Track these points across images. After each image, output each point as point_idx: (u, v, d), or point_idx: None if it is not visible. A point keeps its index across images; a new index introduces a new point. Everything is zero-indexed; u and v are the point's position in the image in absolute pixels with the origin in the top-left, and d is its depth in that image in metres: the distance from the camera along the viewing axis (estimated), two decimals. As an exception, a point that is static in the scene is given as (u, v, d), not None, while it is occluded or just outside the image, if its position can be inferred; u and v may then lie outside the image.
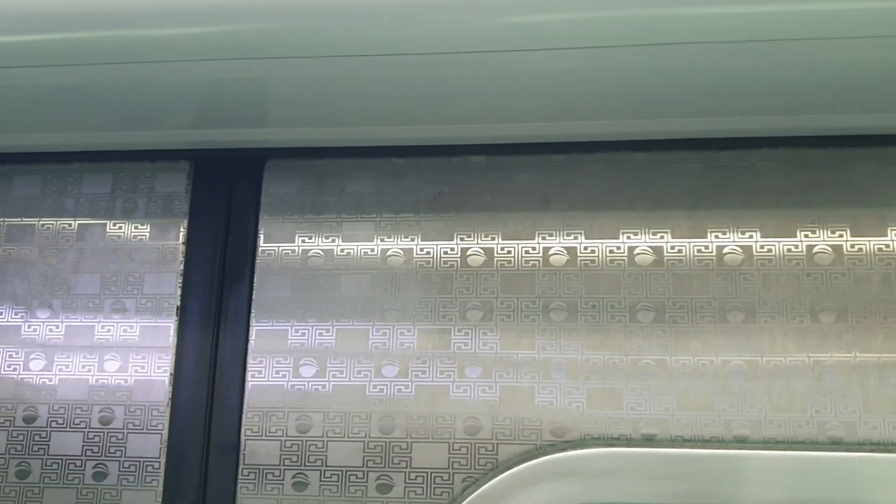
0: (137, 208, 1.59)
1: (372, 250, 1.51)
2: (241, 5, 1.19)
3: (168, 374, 1.49)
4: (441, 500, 1.39)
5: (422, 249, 1.50)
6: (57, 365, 1.52)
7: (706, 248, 1.44)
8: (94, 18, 1.23)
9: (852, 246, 1.41)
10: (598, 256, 1.46)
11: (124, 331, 1.53)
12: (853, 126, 1.43)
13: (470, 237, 1.50)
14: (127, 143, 1.58)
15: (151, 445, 1.47)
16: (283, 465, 1.43)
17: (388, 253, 1.51)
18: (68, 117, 1.48)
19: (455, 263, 1.49)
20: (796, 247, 1.43)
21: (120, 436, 1.48)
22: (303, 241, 1.53)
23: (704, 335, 1.41)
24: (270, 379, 1.47)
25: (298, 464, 1.43)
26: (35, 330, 1.55)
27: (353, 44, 1.23)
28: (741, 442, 1.36)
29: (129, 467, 1.46)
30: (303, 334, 1.48)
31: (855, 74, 1.28)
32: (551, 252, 1.47)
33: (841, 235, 1.42)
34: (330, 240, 1.53)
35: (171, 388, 1.49)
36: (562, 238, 1.48)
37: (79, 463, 1.48)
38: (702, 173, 1.48)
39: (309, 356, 1.47)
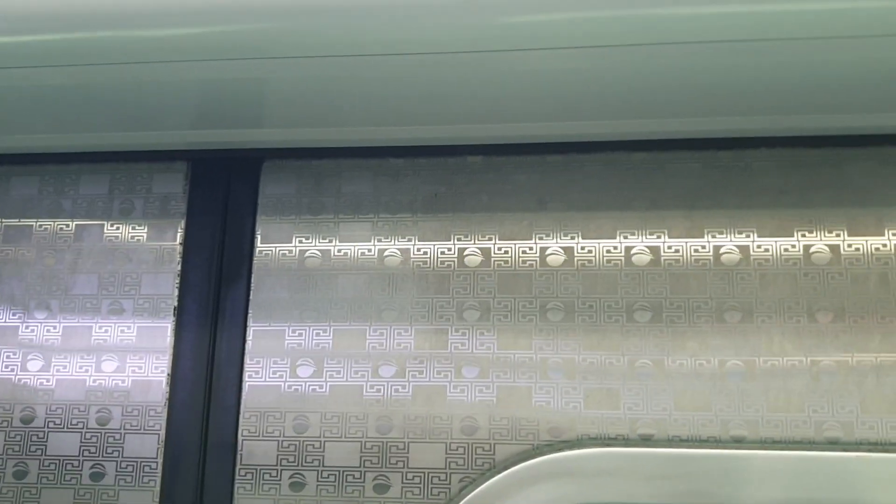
0: (135, 209, 1.59)
1: (369, 251, 1.51)
2: (237, 5, 1.19)
3: (165, 374, 1.49)
4: (438, 501, 1.39)
5: (419, 250, 1.50)
6: (54, 365, 1.52)
7: (703, 248, 1.44)
8: (91, 19, 1.23)
9: (849, 246, 1.41)
10: (595, 256, 1.46)
11: (122, 331, 1.53)
12: (851, 126, 1.43)
13: (467, 237, 1.50)
14: (124, 144, 1.58)
15: (149, 446, 1.47)
16: (280, 465, 1.43)
17: (386, 253, 1.51)
18: (66, 118, 1.48)
19: (452, 264, 1.49)
20: (793, 247, 1.43)
21: (117, 436, 1.48)
22: (300, 242, 1.53)
23: (701, 335, 1.40)
24: (267, 379, 1.47)
25: (295, 464, 1.43)
26: (32, 331, 1.55)
27: (350, 43, 1.23)
28: (738, 442, 1.36)
29: (126, 468, 1.46)
30: (300, 335, 1.48)
31: (853, 74, 1.28)
32: (548, 252, 1.47)
33: (838, 235, 1.42)
34: (327, 240, 1.53)
35: (168, 389, 1.49)
36: (559, 238, 1.47)
37: (76, 463, 1.48)
38: (699, 173, 1.48)
39: (306, 357, 1.47)
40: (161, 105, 1.44)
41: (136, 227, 1.58)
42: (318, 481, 1.42)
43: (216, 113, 1.46)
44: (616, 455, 1.37)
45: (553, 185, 1.50)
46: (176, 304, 1.53)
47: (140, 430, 1.48)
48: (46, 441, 1.49)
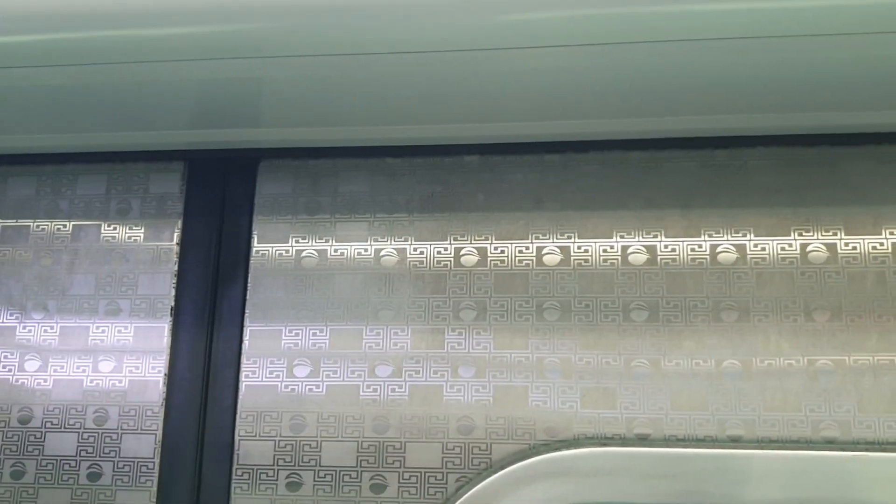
0: (132, 209, 1.59)
1: (365, 250, 1.51)
2: (233, 5, 1.19)
3: (162, 374, 1.49)
4: (435, 500, 1.39)
5: (415, 249, 1.50)
6: (52, 366, 1.53)
7: (700, 247, 1.44)
8: (87, 18, 1.23)
9: (846, 245, 1.41)
10: (591, 256, 1.46)
11: (119, 332, 1.53)
12: (847, 124, 1.43)
13: (463, 237, 1.50)
14: (121, 144, 1.58)
15: (146, 446, 1.47)
16: (277, 465, 1.43)
17: (382, 253, 1.51)
18: (62, 118, 1.49)
19: (448, 263, 1.49)
20: (790, 245, 1.42)
21: (114, 436, 1.48)
22: (296, 242, 1.53)
23: (698, 334, 1.40)
24: (264, 379, 1.47)
25: (292, 464, 1.43)
26: (30, 331, 1.55)
27: (346, 43, 1.23)
28: (735, 441, 1.36)
29: (123, 468, 1.47)
30: (296, 335, 1.48)
31: (849, 72, 1.28)
32: (545, 252, 1.47)
33: (835, 234, 1.42)
34: (324, 240, 1.53)
35: (165, 389, 1.49)
36: (555, 238, 1.47)
37: (73, 463, 1.48)
38: (696, 172, 1.48)
39: (303, 357, 1.47)
40: (158, 105, 1.44)
41: (133, 228, 1.58)
42: (314, 481, 1.42)
43: (213, 113, 1.46)
44: (613, 454, 1.36)
45: (549, 184, 1.50)
46: (173, 304, 1.53)
47: (137, 430, 1.48)
48: (44, 441, 1.50)
